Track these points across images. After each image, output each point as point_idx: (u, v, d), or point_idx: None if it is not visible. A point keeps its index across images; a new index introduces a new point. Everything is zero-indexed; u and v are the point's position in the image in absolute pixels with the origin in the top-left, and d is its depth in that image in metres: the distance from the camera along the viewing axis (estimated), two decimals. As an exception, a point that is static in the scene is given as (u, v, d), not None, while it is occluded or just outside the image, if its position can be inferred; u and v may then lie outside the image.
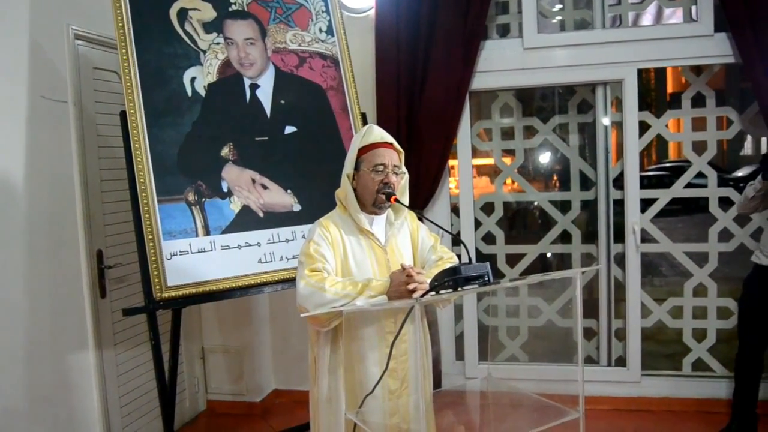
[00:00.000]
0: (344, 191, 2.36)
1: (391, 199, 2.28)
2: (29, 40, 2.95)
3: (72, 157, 3.20)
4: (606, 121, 4.07)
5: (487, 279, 1.94)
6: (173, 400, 3.05)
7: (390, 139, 2.38)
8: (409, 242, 2.44)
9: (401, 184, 2.40)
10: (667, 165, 13.22)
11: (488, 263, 1.97)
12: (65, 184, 3.16)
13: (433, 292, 1.95)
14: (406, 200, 2.41)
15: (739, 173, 14.01)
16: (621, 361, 4.12)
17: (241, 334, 4.24)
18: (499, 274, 4.24)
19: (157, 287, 2.76)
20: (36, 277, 2.94)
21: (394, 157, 2.35)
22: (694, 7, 3.84)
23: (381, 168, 2.30)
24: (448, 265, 2.29)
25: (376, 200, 2.31)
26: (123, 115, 2.86)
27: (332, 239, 2.30)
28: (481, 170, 7.09)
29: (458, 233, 4.18)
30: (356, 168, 2.34)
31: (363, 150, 2.34)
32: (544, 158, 8.12)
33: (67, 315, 3.13)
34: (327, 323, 2.22)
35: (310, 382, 2.44)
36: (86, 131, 3.28)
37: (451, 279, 1.88)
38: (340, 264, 2.29)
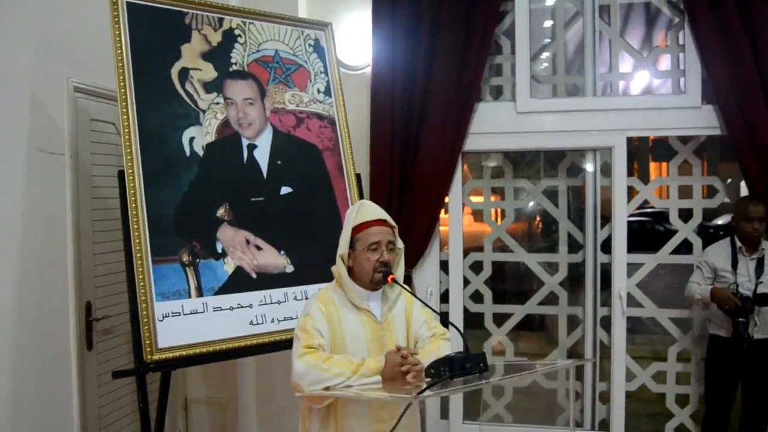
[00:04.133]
0: (338, 270, 2.37)
1: (388, 279, 2.30)
2: (29, 93, 2.97)
3: (66, 209, 3.19)
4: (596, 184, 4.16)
5: (483, 367, 1.96)
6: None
7: (383, 215, 2.41)
8: (404, 317, 2.46)
9: (397, 259, 2.43)
10: (649, 211, 13.36)
11: (484, 352, 1.99)
12: (57, 235, 3.15)
13: (428, 382, 1.96)
14: (401, 272, 2.44)
15: (719, 221, 14.28)
16: (604, 425, 4.13)
17: (225, 385, 4.20)
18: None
19: (148, 349, 2.74)
20: (23, 329, 2.91)
21: (388, 233, 2.38)
22: (682, 79, 3.96)
23: (375, 247, 2.32)
24: (443, 347, 2.32)
25: (372, 279, 2.33)
26: (121, 174, 2.86)
27: (328, 314, 2.31)
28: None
29: (446, 291, 4.22)
30: (351, 246, 2.36)
31: (357, 229, 2.36)
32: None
33: (52, 368, 3.09)
34: (320, 401, 2.22)
35: (301, 456, 2.43)
36: (81, 183, 3.28)
37: (448, 371, 1.90)
38: (335, 339, 2.30)
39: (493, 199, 4.58)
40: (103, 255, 3.43)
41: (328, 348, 2.27)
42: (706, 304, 3.66)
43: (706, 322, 3.75)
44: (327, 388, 2.15)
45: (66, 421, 3.18)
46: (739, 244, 3.62)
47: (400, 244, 2.43)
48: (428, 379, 2.01)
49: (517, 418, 4.33)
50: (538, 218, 9.67)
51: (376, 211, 2.40)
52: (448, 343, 2.43)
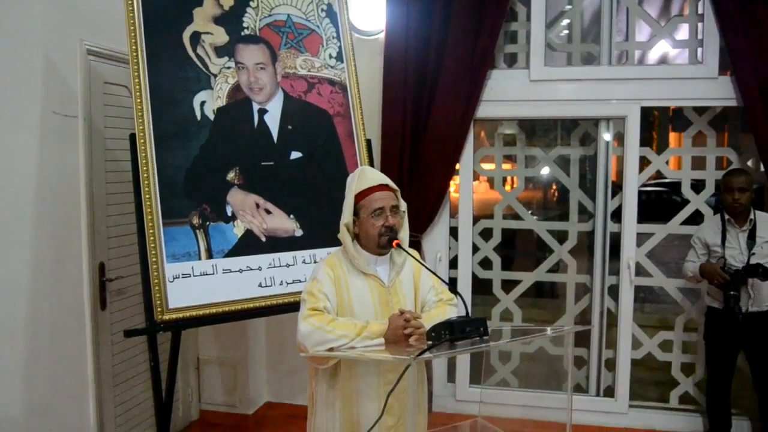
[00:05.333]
0: (343, 239, 2.40)
1: (393, 244, 2.33)
2: (43, 55, 2.99)
3: (79, 171, 3.24)
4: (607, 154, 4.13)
5: (482, 331, 1.99)
6: (169, 419, 3.09)
7: (385, 179, 2.42)
8: (411, 282, 2.49)
9: (401, 222, 2.44)
10: (666, 181, 13.23)
11: (485, 318, 2.02)
12: (71, 197, 3.20)
13: (430, 345, 2.00)
14: (406, 235, 2.45)
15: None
16: (610, 391, 4.18)
17: (236, 346, 4.29)
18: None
19: (159, 309, 2.81)
20: (38, 288, 2.99)
21: (391, 197, 2.39)
22: (699, 49, 3.90)
23: (380, 212, 2.34)
24: (449, 312, 2.36)
25: (378, 243, 2.35)
26: (132, 137, 2.90)
27: (335, 278, 2.35)
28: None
29: (455, 257, 4.25)
30: (355, 214, 2.39)
31: (360, 196, 2.38)
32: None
33: (67, 326, 3.18)
34: (325, 361, 2.27)
35: (308, 413, 2.49)
36: (94, 146, 3.32)
37: (448, 334, 1.93)
38: (342, 304, 2.34)
39: (505, 167, 4.57)
40: (116, 217, 3.48)
41: (335, 312, 2.31)
42: (698, 281, 3.70)
43: (706, 295, 3.75)
44: (331, 350, 2.19)
45: (81, 378, 3.27)
46: (727, 217, 3.60)
47: (403, 206, 2.44)
48: (429, 342, 2.05)
49: (523, 383, 4.39)
50: (554, 186, 9.63)
51: (377, 177, 2.41)
52: (454, 309, 2.46)
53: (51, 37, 3.03)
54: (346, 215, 2.38)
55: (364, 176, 2.40)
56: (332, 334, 2.19)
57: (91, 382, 3.34)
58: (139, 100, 2.91)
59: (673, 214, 4.15)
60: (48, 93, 3.01)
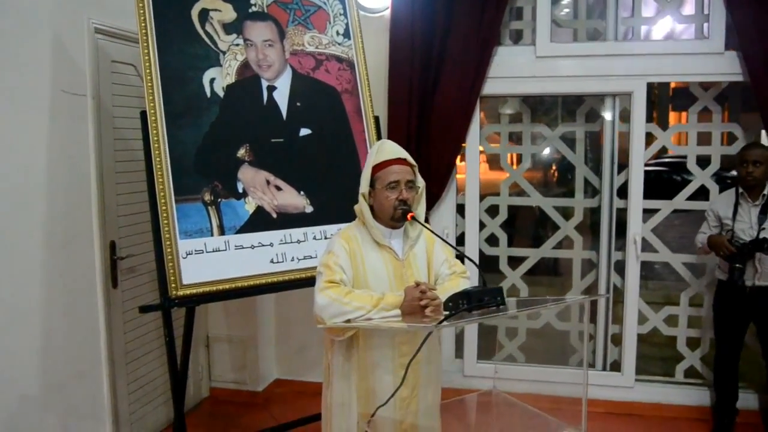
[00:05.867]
0: (360, 209, 2.42)
1: (408, 217, 2.35)
2: (51, 34, 2.99)
3: (89, 150, 3.24)
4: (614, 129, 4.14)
5: (500, 301, 2.01)
6: (184, 394, 3.13)
7: (403, 154, 2.44)
8: (425, 255, 2.51)
9: (417, 197, 2.46)
10: (667, 160, 13.23)
11: (501, 287, 2.04)
12: (82, 176, 3.21)
13: (450, 313, 2.02)
14: (422, 210, 2.48)
15: (735, 172, 14.13)
16: (616, 366, 4.23)
17: (245, 324, 4.32)
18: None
19: (173, 285, 2.83)
20: (51, 268, 3.01)
21: (407, 172, 2.41)
22: (706, 25, 3.89)
23: (395, 185, 2.36)
24: (463, 284, 2.38)
25: (392, 216, 2.37)
26: (143, 115, 2.90)
27: (351, 251, 2.37)
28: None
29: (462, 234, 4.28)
30: (371, 185, 2.41)
31: (377, 168, 2.40)
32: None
33: (79, 305, 3.20)
34: (342, 333, 2.30)
35: (324, 385, 2.53)
36: (103, 124, 3.33)
37: (466, 304, 1.95)
38: (358, 276, 2.36)
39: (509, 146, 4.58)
40: (126, 195, 3.50)
41: (351, 284, 2.34)
42: (707, 252, 3.72)
43: (716, 268, 3.78)
44: (348, 321, 2.22)
45: (94, 356, 3.30)
46: (741, 190, 3.62)
47: (420, 182, 2.46)
48: (446, 312, 2.07)
49: (530, 358, 4.43)
50: (554, 167, 9.63)
51: (395, 150, 2.43)
52: (467, 281, 2.49)
53: (59, 15, 3.03)
54: (363, 185, 2.40)
55: (383, 149, 2.42)
56: (349, 306, 2.21)
57: (104, 360, 3.37)
58: (149, 78, 2.91)
59: (675, 193, 4.16)
60: (56, 72, 3.01)
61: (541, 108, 6.08)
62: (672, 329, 4.23)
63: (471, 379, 4.28)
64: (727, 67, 3.82)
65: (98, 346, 3.34)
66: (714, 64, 3.84)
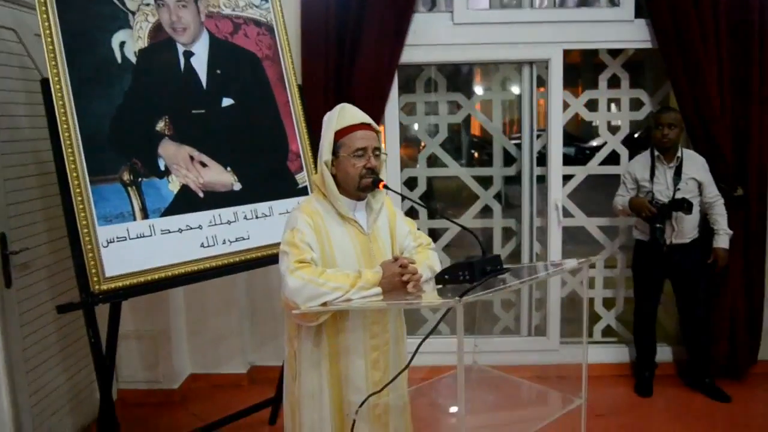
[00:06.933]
0: (322, 178, 2.20)
1: (380, 185, 2.16)
2: None
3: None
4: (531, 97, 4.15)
5: (501, 269, 1.89)
6: (113, 403, 2.78)
7: (367, 119, 2.24)
8: (387, 228, 2.33)
9: (381, 165, 2.28)
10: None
11: (499, 255, 1.92)
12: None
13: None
14: (386, 179, 2.30)
15: (593, 143, 15.07)
16: (539, 330, 4.28)
17: (154, 317, 3.93)
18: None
19: (95, 279, 2.47)
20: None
21: (373, 138, 2.22)
22: (616, -8, 3.97)
23: (362, 153, 2.16)
24: (432, 256, 2.25)
25: (359, 186, 2.17)
26: (45, 83, 2.48)
27: (315, 227, 2.15)
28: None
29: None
30: (333, 153, 2.19)
31: (339, 133, 2.18)
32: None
33: (-31, 310, 2.74)
34: (315, 318, 2.08)
35: (287, 377, 2.30)
36: (-17, 98, 2.85)
37: (467, 275, 1.81)
38: (324, 254, 2.15)
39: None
40: (17, 181, 3.03)
41: (319, 263, 2.12)
42: (627, 214, 3.83)
43: (634, 228, 3.91)
44: (324, 305, 2.01)
45: (-10, 366, 2.85)
46: (656, 153, 3.75)
47: (384, 149, 2.28)
48: (439, 286, 1.92)
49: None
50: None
51: (359, 115, 2.22)
52: (435, 253, 2.35)
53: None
54: (325, 153, 2.17)
55: (346, 113, 2.20)
56: (325, 287, 2.00)
57: (2, 371, 2.91)
58: (49, 39, 2.49)
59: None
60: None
61: (454, 76, 6.02)
62: (590, 291, 4.34)
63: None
64: (637, 35, 3.92)
65: (-6, 357, 2.88)
66: (625, 32, 3.92)
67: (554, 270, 2.27)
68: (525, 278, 2.13)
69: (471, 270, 1.81)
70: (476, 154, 12.41)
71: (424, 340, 1.89)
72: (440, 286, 1.97)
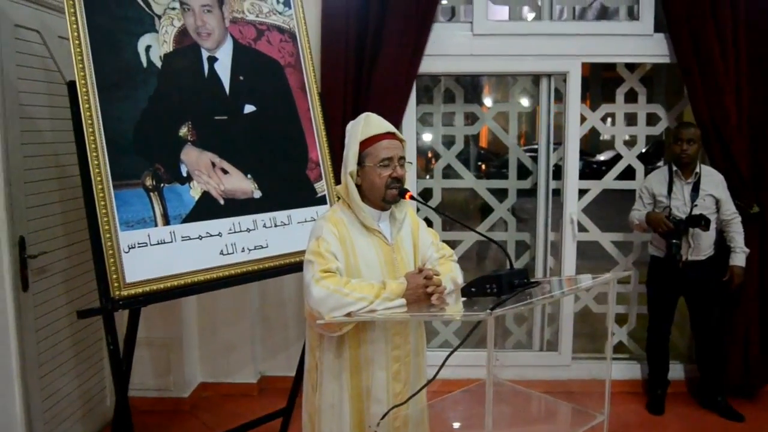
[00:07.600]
0: (346, 188, 2.18)
1: (406, 196, 2.15)
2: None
3: (-8, 130, 2.76)
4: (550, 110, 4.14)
5: (528, 283, 1.87)
6: (129, 411, 2.76)
7: (392, 128, 2.23)
8: (411, 239, 2.32)
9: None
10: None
11: (526, 269, 1.91)
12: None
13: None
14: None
15: (601, 157, 15.07)
16: (551, 345, 4.25)
17: (167, 325, 3.91)
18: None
19: (116, 284, 2.45)
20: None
21: (399, 147, 2.21)
22: (636, 6, 3.96)
23: (387, 162, 2.15)
24: (454, 269, 2.24)
25: (385, 197, 2.16)
26: (71, 85, 2.47)
27: (340, 237, 2.13)
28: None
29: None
30: (359, 163, 2.18)
31: (365, 143, 2.17)
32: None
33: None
34: (339, 329, 2.06)
35: (307, 388, 2.27)
36: (7, 100, 2.83)
37: (495, 288, 1.79)
38: (348, 264, 2.13)
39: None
40: (36, 183, 3.02)
41: (343, 273, 2.10)
42: (644, 229, 3.80)
43: (649, 244, 3.89)
44: (348, 315, 1.99)
45: (4, 369, 2.83)
46: (674, 168, 3.73)
47: (409, 158, 2.27)
48: (464, 299, 1.90)
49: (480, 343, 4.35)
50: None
51: (384, 124, 2.21)
52: (457, 266, 2.34)
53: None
54: (350, 163, 2.15)
55: (371, 122, 2.19)
56: (350, 297, 1.98)
57: (16, 376, 2.90)
58: (77, 42, 2.47)
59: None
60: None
61: (475, 89, 6.02)
62: (602, 306, 4.32)
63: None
64: (656, 49, 3.92)
65: (9, 360, 2.86)
66: (644, 46, 3.92)
67: (588, 282, 2.23)
68: (556, 291, 2.11)
69: (498, 283, 1.80)
70: (483, 166, 12.42)
71: (451, 353, 1.87)
72: (464, 298, 1.94)
